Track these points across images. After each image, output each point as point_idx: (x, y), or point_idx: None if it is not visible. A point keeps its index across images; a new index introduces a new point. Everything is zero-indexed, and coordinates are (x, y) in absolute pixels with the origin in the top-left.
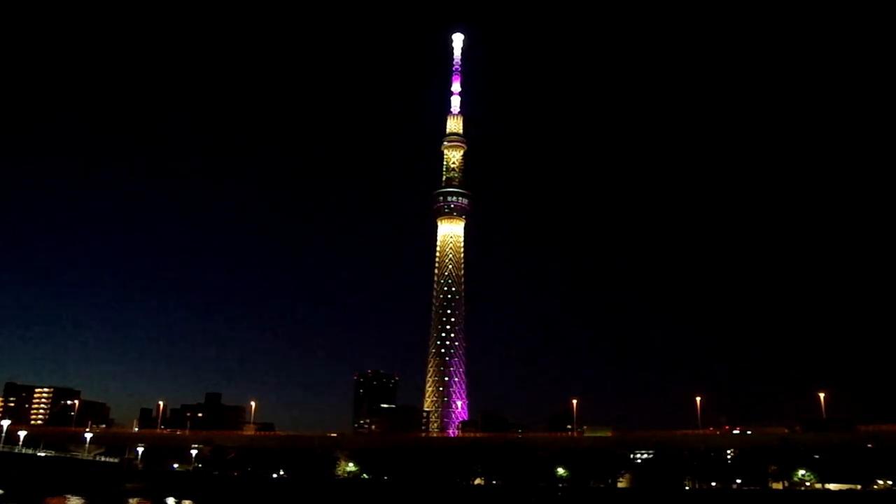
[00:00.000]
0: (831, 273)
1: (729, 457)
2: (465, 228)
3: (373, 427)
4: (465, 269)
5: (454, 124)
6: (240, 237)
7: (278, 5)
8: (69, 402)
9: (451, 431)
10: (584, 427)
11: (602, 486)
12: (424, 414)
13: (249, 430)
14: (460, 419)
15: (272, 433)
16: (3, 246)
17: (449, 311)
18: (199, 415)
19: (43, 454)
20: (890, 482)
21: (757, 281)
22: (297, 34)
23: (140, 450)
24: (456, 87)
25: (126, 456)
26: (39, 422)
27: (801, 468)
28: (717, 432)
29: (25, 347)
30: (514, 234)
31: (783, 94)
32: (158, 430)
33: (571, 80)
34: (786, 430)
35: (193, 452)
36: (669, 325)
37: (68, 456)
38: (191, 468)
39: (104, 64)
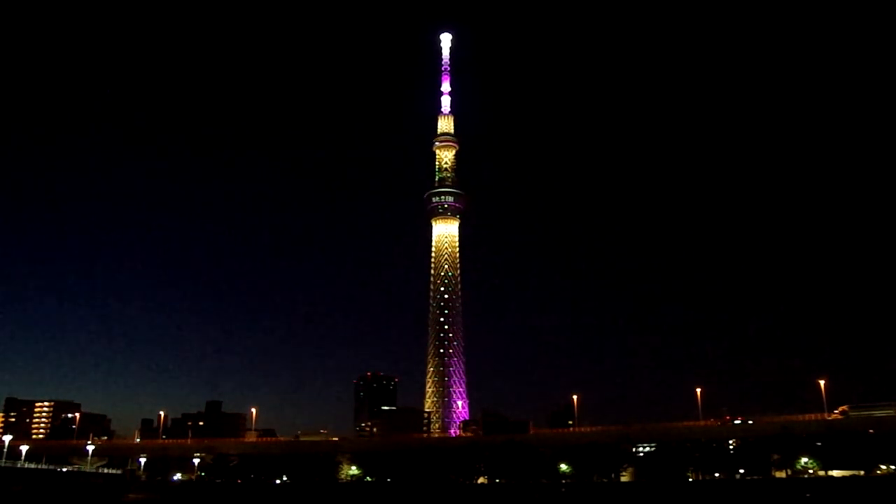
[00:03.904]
0: (830, 261)
1: (731, 447)
2: (460, 228)
3: (374, 430)
4: (461, 268)
5: (445, 124)
6: (236, 244)
7: (268, 7)
8: (70, 416)
9: (452, 431)
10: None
11: (605, 480)
12: (425, 414)
13: (251, 437)
14: (461, 419)
15: (273, 439)
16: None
17: (447, 311)
18: (200, 423)
19: (46, 468)
20: (893, 467)
21: (756, 271)
22: (286, 37)
23: (142, 460)
24: (446, 86)
25: (128, 467)
26: (41, 436)
27: (804, 456)
28: (719, 423)
29: (25, 362)
30: (509, 232)
31: (781, 88)
32: (160, 441)
33: (561, 78)
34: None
35: (196, 461)
36: (668, 317)
37: (71, 469)
38: (193, 477)
39: (102, 67)
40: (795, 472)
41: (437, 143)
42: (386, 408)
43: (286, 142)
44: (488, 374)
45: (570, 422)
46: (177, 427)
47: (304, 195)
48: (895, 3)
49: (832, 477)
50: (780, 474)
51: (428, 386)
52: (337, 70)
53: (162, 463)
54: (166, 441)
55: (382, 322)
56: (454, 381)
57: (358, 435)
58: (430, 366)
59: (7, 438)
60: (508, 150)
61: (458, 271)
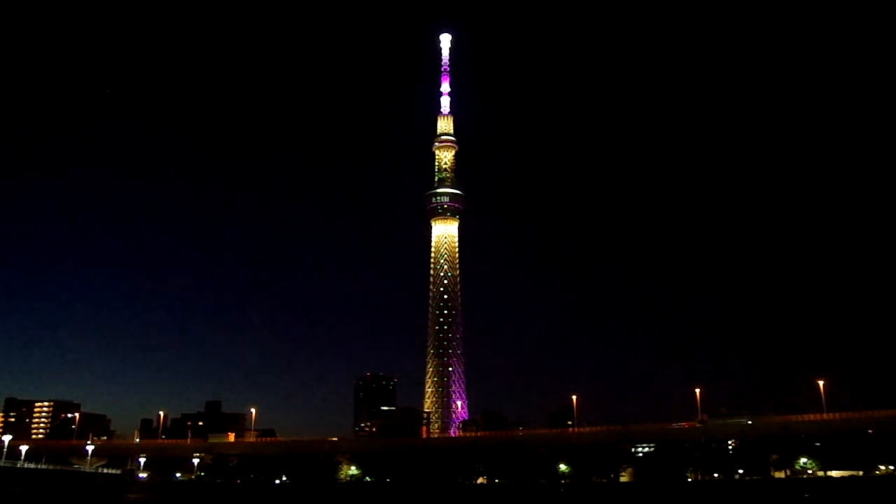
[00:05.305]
0: (830, 261)
1: (730, 447)
2: (459, 228)
3: (373, 430)
4: (460, 268)
5: (445, 125)
6: (235, 244)
7: (268, 8)
8: (70, 416)
9: (451, 431)
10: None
11: (604, 480)
12: (425, 415)
13: (250, 437)
14: (461, 419)
15: (273, 439)
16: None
17: (446, 312)
18: (200, 423)
19: (45, 468)
20: (892, 467)
21: (755, 271)
22: (286, 37)
23: (142, 460)
24: (445, 87)
25: (128, 467)
26: (41, 436)
27: (803, 456)
28: (748, 422)
29: (24, 362)
30: (509, 232)
31: (781, 88)
32: (160, 441)
33: (561, 78)
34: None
35: (195, 461)
36: (667, 317)
37: (70, 469)
38: (193, 477)
39: (98, 66)
40: (794, 472)
41: (436, 144)
42: (385, 408)
43: (286, 142)
44: (488, 374)
45: (570, 422)
46: (177, 427)
47: (304, 195)
48: (895, 4)
49: (831, 477)
50: (780, 474)
51: (427, 386)
52: (337, 70)
53: (161, 463)
54: (166, 441)
55: (382, 322)
56: (454, 381)
57: (357, 435)
58: (429, 366)
59: (7, 438)
60: (508, 150)
61: (458, 271)
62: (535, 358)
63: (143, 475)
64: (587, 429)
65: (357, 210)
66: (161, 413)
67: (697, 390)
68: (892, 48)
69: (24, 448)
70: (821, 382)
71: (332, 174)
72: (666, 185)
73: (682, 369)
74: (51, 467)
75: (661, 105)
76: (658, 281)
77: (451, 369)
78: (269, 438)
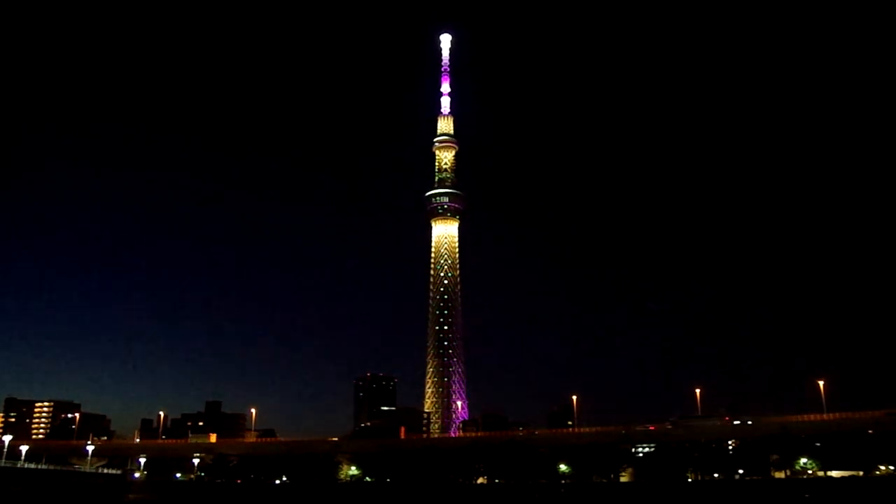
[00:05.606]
0: (830, 261)
1: (730, 447)
2: (460, 228)
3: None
4: (460, 268)
5: (445, 125)
6: (236, 244)
7: (268, 9)
8: (70, 416)
9: (452, 432)
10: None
11: (604, 480)
12: (425, 415)
13: (250, 437)
14: (461, 419)
15: (273, 439)
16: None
17: (446, 312)
18: (200, 423)
19: (46, 468)
20: (892, 467)
21: (755, 270)
22: (286, 37)
23: (142, 460)
24: (446, 87)
25: (128, 467)
26: (41, 436)
27: (803, 456)
28: (718, 423)
29: (24, 362)
30: (508, 233)
31: (781, 88)
32: (160, 441)
33: (561, 78)
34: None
35: (195, 461)
36: (667, 317)
37: (71, 469)
38: (193, 477)
39: (99, 66)
40: (795, 472)
41: (436, 144)
42: (386, 408)
43: (286, 142)
44: (488, 374)
45: (570, 422)
46: (177, 427)
47: (304, 195)
48: (895, 4)
49: (831, 477)
50: (780, 475)
51: (428, 386)
52: (337, 71)
53: (161, 463)
54: (166, 441)
55: (382, 322)
56: (454, 381)
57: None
58: (429, 366)
59: (7, 438)
60: (508, 150)
61: (458, 271)
62: (535, 358)
63: (137, 475)
64: (587, 429)
65: (357, 210)
66: (161, 413)
67: (697, 390)
68: (892, 48)
69: (24, 448)
70: (821, 382)
71: (332, 174)
72: (666, 184)
73: (682, 369)
74: (51, 467)
75: (661, 104)
76: (658, 281)
77: (451, 369)
78: (269, 438)
